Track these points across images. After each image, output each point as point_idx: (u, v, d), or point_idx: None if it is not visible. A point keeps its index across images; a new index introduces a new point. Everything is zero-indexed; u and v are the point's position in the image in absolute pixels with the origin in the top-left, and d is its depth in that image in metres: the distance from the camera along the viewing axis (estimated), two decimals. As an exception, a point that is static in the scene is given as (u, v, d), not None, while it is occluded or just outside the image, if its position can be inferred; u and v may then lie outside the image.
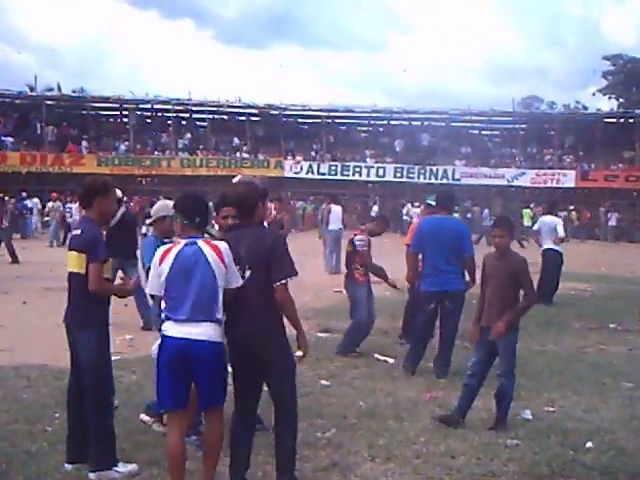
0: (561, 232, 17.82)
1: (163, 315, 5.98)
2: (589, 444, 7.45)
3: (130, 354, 11.29)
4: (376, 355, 11.58)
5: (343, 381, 9.93)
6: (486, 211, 44.34)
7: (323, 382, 9.80)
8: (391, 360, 11.24)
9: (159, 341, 6.00)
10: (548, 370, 10.79)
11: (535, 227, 19.01)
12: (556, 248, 17.69)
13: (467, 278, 10.80)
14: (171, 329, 5.86)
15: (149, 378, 9.78)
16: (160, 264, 5.94)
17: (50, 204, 38.52)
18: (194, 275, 5.85)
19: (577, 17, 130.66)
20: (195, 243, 5.92)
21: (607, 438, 7.70)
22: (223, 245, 5.97)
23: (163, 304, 5.99)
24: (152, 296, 6.48)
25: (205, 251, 5.88)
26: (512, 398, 8.23)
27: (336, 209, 25.21)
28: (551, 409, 8.79)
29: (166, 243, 6.54)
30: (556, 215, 19.13)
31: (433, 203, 12.04)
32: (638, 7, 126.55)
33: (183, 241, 5.98)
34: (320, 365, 10.73)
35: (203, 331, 5.81)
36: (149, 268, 6.31)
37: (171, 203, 7.22)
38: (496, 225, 8.25)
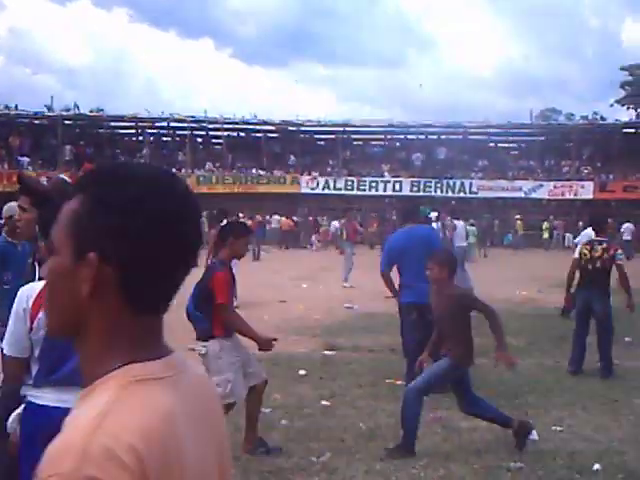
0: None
1: (32, 379, 4.37)
2: (597, 466, 7.14)
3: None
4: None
5: (345, 401, 9.64)
6: (626, 225, 42.83)
7: (324, 402, 9.52)
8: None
9: (19, 411, 4.38)
10: (558, 387, 10.49)
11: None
12: None
13: None
14: (45, 395, 4.32)
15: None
16: (36, 311, 4.23)
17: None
18: None
19: (595, 28, 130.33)
20: None
21: (616, 459, 7.39)
22: None
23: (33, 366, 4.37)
24: None
25: None
26: (415, 415, 7.78)
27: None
28: (559, 428, 8.46)
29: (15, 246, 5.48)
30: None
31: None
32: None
33: None
34: (323, 385, 10.46)
35: None
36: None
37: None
38: (430, 258, 7.95)
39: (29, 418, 4.28)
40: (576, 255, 11.56)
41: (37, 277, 4.76)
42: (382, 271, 10.68)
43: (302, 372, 11.13)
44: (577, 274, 11.76)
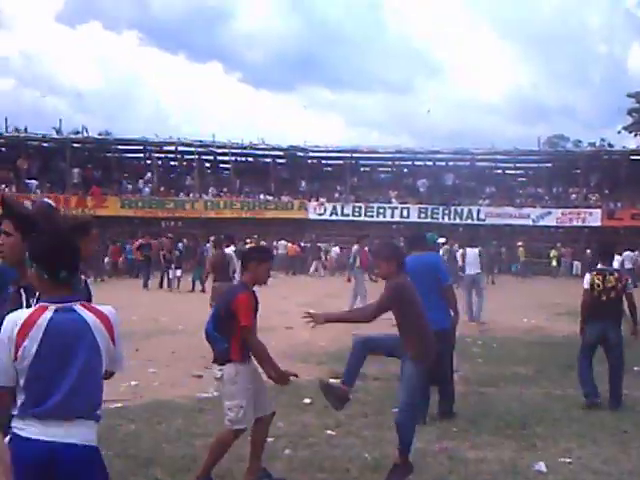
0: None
1: (17, 410, 4.20)
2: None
3: (132, 401, 10.90)
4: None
5: (350, 431, 9.49)
6: (627, 253, 42.52)
7: (329, 432, 9.37)
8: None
9: (7, 440, 4.12)
10: (567, 417, 10.31)
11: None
12: None
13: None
14: (30, 428, 4.13)
15: (149, 427, 9.47)
16: (21, 340, 4.10)
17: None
18: (77, 357, 4.18)
19: (602, 55, 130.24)
20: (73, 310, 4.23)
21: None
22: (111, 312, 4.41)
23: (19, 396, 4.20)
24: None
25: (89, 322, 4.24)
26: (412, 433, 7.72)
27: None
28: (567, 460, 8.28)
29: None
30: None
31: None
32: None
33: (51, 306, 4.19)
34: (328, 413, 10.28)
35: (77, 432, 4.19)
36: None
37: None
38: (374, 255, 7.96)
39: (13, 451, 3.98)
40: (586, 286, 11.23)
41: (24, 304, 4.65)
42: None
43: (307, 400, 11.00)
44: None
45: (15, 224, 4.88)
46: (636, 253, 43.66)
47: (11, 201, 5.12)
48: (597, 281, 11.14)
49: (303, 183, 55.43)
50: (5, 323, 4.13)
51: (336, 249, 48.84)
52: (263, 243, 42.65)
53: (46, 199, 6.75)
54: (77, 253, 4.42)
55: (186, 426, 9.64)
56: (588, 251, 46.55)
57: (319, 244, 49.79)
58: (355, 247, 25.45)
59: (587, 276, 11.36)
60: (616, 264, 16.48)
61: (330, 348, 16.38)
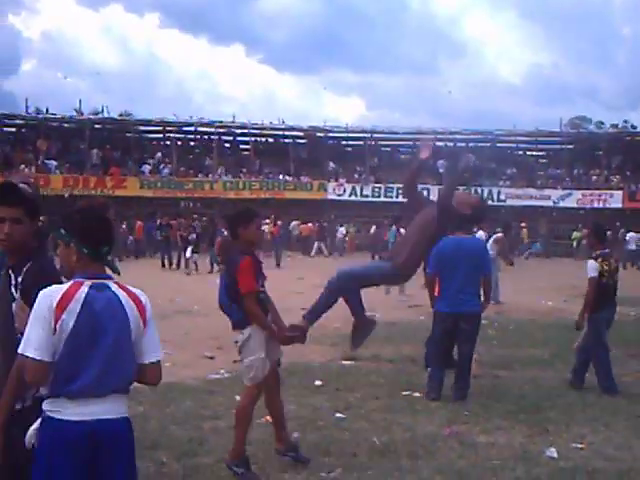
0: None
1: (48, 390, 4.13)
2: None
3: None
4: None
5: (360, 414, 9.36)
6: (631, 234, 43.30)
7: (338, 415, 9.25)
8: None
9: (37, 425, 4.15)
10: (581, 402, 10.16)
11: None
12: None
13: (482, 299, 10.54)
14: (63, 409, 4.07)
15: (157, 409, 9.39)
16: (60, 313, 4.04)
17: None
18: (106, 334, 4.13)
19: (627, 36, 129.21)
20: (107, 286, 4.23)
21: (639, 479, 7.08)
22: (142, 294, 4.38)
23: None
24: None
25: (122, 300, 4.22)
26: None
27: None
28: (580, 446, 8.14)
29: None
30: None
31: None
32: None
33: (87, 282, 4.17)
34: (338, 396, 10.22)
35: (112, 407, 4.16)
36: None
37: None
38: None
39: (47, 433, 4.08)
40: (594, 274, 10.84)
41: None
42: (429, 272, 10.72)
43: (318, 383, 10.90)
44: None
45: (25, 210, 4.76)
46: (635, 235, 43.69)
47: (18, 187, 4.96)
48: (605, 267, 10.91)
49: (323, 164, 55.16)
50: (41, 298, 4.07)
51: (342, 229, 48.64)
52: (280, 223, 42.54)
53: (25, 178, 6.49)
54: (113, 229, 4.46)
55: (195, 408, 9.56)
56: (609, 233, 46.24)
57: (325, 224, 49.59)
58: (393, 228, 25.32)
59: (593, 263, 10.94)
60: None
61: (345, 330, 16.17)
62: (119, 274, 4.45)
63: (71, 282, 4.18)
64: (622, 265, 41.11)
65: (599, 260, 10.94)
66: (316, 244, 46.94)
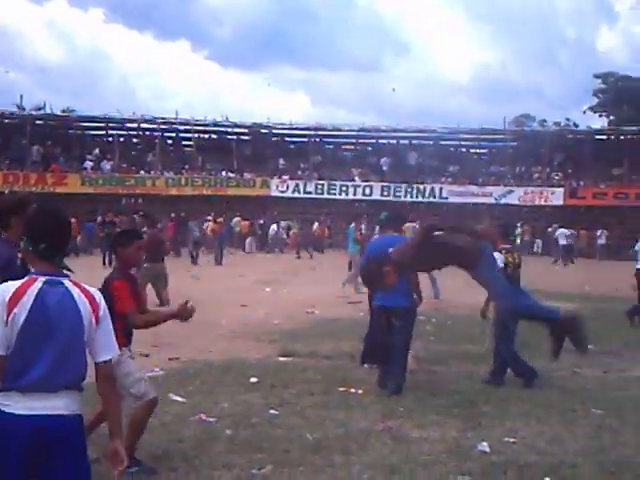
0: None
1: (1, 383, 4.11)
2: (547, 480, 6.87)
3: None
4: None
5: (294, 410, 9.28)
6: (561, 230, 44.05)
7: (272, 411, 9.16)
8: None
9: None
10: (514, 396, 10.18)
11: (636, 247, 18.97)
12: None
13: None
14: (16, 404, 4.06)
15: (90, 407, 9.24)
16: (12, 306, 4.07)
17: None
18: (59, 330, 4.11)
19: (570, 36, 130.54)
20: (61, 283, 4.22)
21: (569, 473, 7.10)
22: (97, 292, 4.41)
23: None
24: None
25: (75, 296, 4.22)
26: None
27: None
28: (512, 440, 8.15)
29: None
30: None
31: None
32: (630, 26, 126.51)
33: (41, 278, 4.19)
34: (273, 393, 10.15)
35: (63, 403, 4.14)
36: None
37: None
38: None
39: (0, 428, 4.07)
40: (501, 265, 11.15)
41: None
42: (362, 272, 11.17)
43: (254, 379, 10.81)
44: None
45: None
46: (571, 231, 44.88)
47: None
48: (510, 259, 11.40)
49: (266, 160, 55.00)
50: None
51: (274, 226, 48.54)
52: (221, 220, 42.26)
53: None
54: (58, 229, 4.40)
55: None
56: (549, 229, 46.78)
57: (260, 221, 49.52)
58: (352, 226, 25.36)
59: (498, 255, 11.17)
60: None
61: (284, 326, 16.27)
62: (72, 272, 4.39)
63: (27, 278, 4.20)
64: (554, 260, 41.75)
65: (503, 252, 11.34)
66: (249, 240, 46.64)
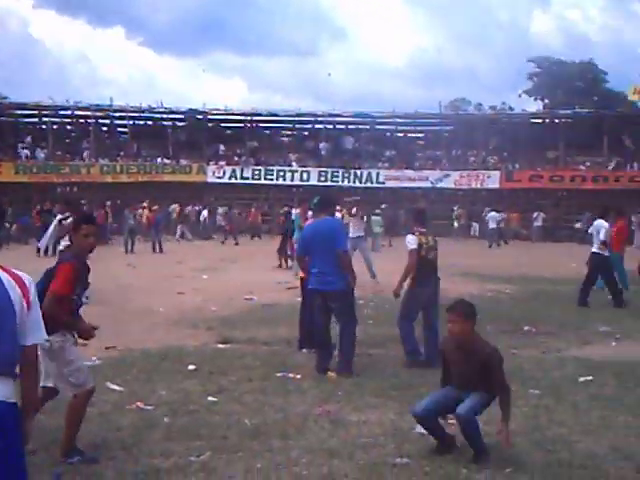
0: (602, 236, 17.89)
1: None
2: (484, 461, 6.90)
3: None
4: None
5: (232, 397, 9.26)
6: (491, 213, 44.39)
7: (210, 398, 9.13)
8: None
9: None
10: (452, 379, 10.24)
11: (590, 230, 19.02)
12: (599, 252, 17.94)
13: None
14: None
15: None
16: None
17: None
18: None
19: (505, 20, 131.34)
20: None
21: (506, 452, 7.14)
22: (27, 277, 4.38)
23: None
24: None
25: (5, 282, 4.18)
26: None
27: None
28: (449, 421, 8.19)
29: None
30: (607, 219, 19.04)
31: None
32: (563, 10, 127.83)
33: None
34: (211, 379, 10.10)
35: None
36: None
37: None
38: (449, 310, 7.24)
39: None
40: (414, 246, 11.47)
41: None
42: (297, 256, 11.62)
43: (191, 367, 10.75)
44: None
45: None
46: (501, 214, 45.53)
47: None
48: (423, 240, 11.54)
49: (202, 147, 54.71)
50: None
51: (204, 212, 48.31)
52: (156, 207, 41.85)
53: None
54: None
55: (65, 396, 9.31)
56: (485, 212, 47.19)
57: (189, 207, 49.32)
58: (296, 211, 25.44)
59: (411, 237, 11.60)
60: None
61: (222, 313, 16.20)
62: None
63: None
64: (489, 245, 42.13)
65: (417, 234, 11.56)
66: (179, 227, 46.26)
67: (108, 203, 43.66)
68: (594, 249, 18.06)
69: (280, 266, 26.58)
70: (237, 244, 41.30)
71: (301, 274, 12.28)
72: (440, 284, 11.98)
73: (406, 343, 11.49)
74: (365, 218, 22.47)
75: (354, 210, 24.66)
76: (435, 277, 11.75)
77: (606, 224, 18.26)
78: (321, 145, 55.12)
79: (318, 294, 10.77)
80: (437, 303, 11.71)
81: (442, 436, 7.30)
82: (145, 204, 42.22)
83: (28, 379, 4.38)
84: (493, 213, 44.05)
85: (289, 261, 25.83)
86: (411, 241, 11.50)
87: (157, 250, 35.37)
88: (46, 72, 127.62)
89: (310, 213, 18.96)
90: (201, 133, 55.11)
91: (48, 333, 6.69)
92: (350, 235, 22.56)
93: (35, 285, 4.47)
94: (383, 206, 43.16)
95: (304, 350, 11.85)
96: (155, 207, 41.27)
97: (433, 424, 7.26)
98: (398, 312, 11.84)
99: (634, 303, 17.38)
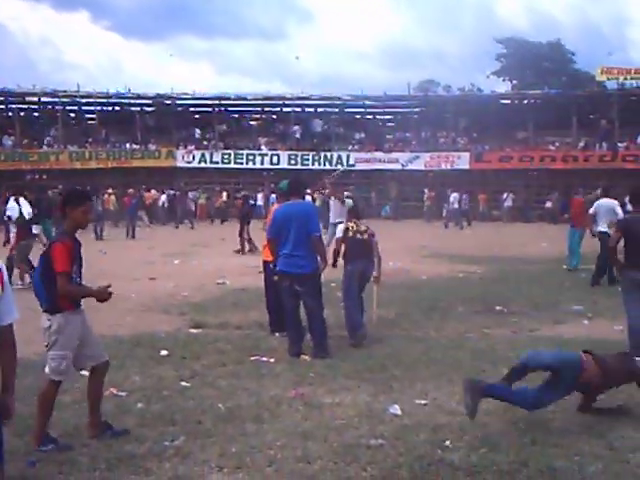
0: (620, 213, 17.50)
1: None
2: (459, 441, 6.92)
3: None
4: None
5: (206, 381, 9.22)
6: (454, 195, 44.55)
7: (184, 383, 9.10)
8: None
9: None
10: (425, 359, 10.27)
11: (591, 210, 18.81)
12: (607, 230, 17.55)
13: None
14: None
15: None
16: None
17: None
18: None
19: (471, 2, 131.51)
20: None
21: (480, 432, 7.16)
22: None
23: None
24: None
25: None
26: None
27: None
28: (423, 402, 8.22)
29: None
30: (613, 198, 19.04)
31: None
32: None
33: None
34: (184, 365, 10.07)
35: None
36: None
37: None
38: None
39: None
40: (340, 235, 12.34)
41: None
42: (269, 237, 11.32)
43: (164, 352, 10.71)
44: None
45: None
46: (463, 195, 45.81)
47: None
48: (352, 226, 12.27)
49: (171, 131, 54.45)
50: None
51: (163, 197, 48.10)
52: (131, 192, 41.64)
53: None
54: None
55: (37, 384, 9.26)
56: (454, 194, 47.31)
57: (141, 192, 48.76)
58: (273, 196, 25.67)
59: (342, 226, 12.60)
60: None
61: (193, 298, 16.16)
62: None
63: None
64: (455, 223, 42.28)
65: (349, 223, 12.42)
66: (139, 213, 45.90)
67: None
68: (601, 228, 17.99)
69: (241, 251, 26.53)
70: (192, 227, 41.68)
71: (265, 257, 12.29)
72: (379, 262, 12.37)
73: (349, 320, 11.77)
74: (345, 202, 22.15)
75: (337, 194, 23.99)
76: (367, 257, 12.13)
77: (616, 202, 18.30)
78: (295, 128, 55.02)
79: (287, 277, 10.77)
80: (369, 280, 12.29)
81: None
82: (110, 190, 42.04)
83: (7, 357, 4.46)
84: (455, 194, 44.29)
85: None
86: (338, 231, 12.50)
87: (129, 235, 35.21)
88: (11, 58, 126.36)
89: (274, 196, 18.85)
90: (169, 118, 54.81)
91: (51, 313, 6.74)
92: (330, 221, 22.57)
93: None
94: (352, 188, 43.06)
95: (277, 334, 11.83)
96: (130, 190, 41.13)
97: None
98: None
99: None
